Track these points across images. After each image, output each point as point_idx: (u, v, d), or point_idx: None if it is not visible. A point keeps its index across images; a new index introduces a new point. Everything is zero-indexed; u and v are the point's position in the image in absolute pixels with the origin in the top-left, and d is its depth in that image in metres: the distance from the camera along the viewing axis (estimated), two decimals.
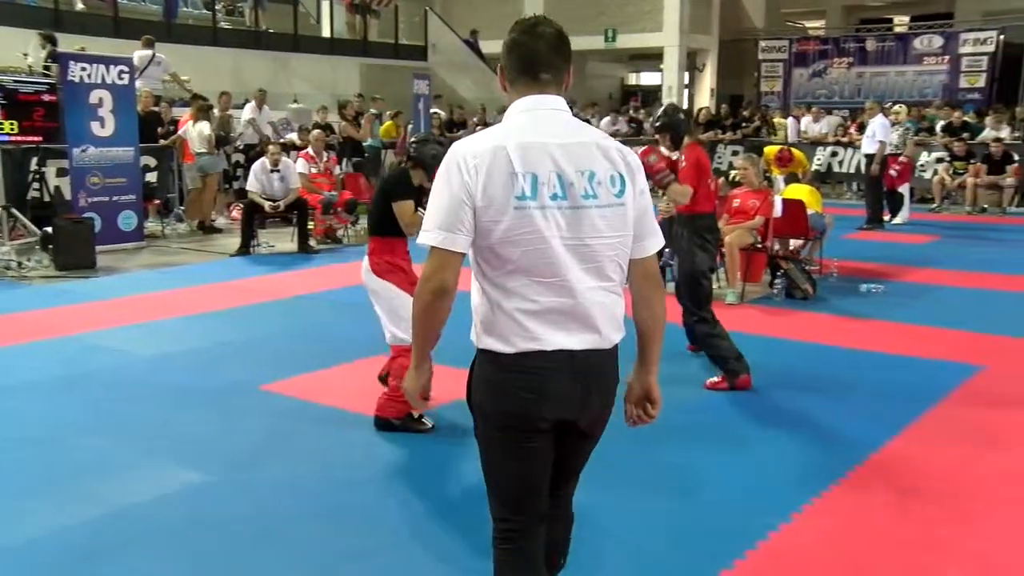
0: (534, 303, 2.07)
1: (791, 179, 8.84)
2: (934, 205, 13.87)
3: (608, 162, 2.12)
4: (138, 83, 11.38)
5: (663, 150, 5.27)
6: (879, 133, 11.45)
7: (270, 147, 10.07)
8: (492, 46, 22.73)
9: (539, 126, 2.11)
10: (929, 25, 22.11)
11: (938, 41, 20.72)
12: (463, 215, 2.04)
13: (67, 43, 11.46)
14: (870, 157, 11.64)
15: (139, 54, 11.98)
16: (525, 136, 2.08)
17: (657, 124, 5.34)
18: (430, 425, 4.32)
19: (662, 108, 5.54)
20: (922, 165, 14.66)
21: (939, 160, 14.34)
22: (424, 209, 3.76)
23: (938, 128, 15.33)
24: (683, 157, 5.17)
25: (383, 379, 4.65)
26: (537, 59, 2.14)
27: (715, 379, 5.08)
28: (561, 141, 2.09)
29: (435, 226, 2.06)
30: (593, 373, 2.14)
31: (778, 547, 3.20)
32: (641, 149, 4.61)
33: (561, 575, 2.45)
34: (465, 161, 2.05)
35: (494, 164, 2.04)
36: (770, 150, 11.14)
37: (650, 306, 2.28)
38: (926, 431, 4.41)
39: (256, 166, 9.80)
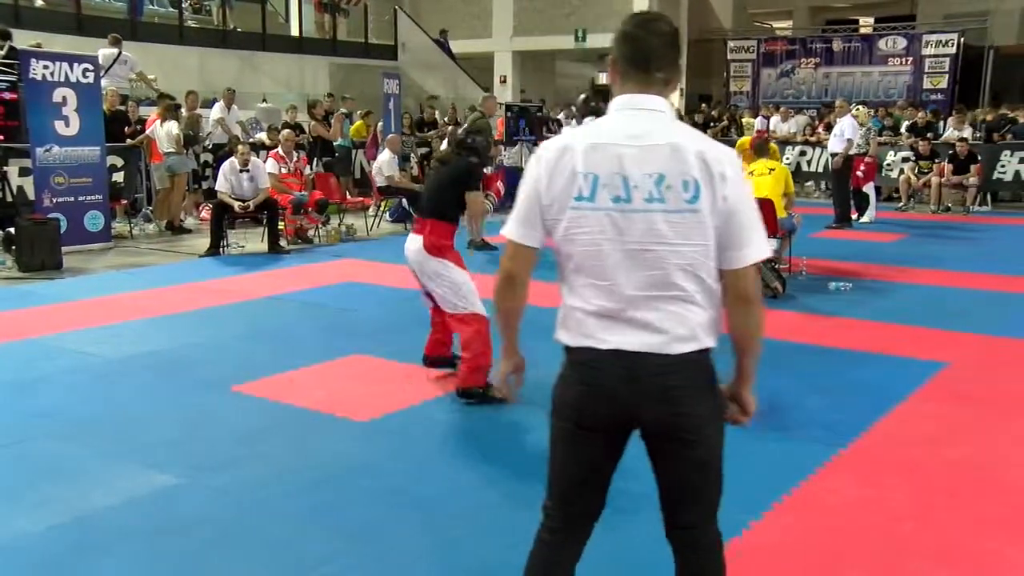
0: (589, 304, 2.09)
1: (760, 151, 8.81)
2: (901, 204, 14.08)
3: (682, 165, 2.01)
4: (104, 82, 11.21)
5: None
6: (848, 131, 11.59)
7: (239, 147, 9.97)
8: (460, 46, 22.74)
9: (621, 126, 2.06)
10: (892, 27, 22.44)
11: (902, 42, 21.04)
12: (534, 211, 2.11)
13: (24, 39, 11.26)
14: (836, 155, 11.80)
15: (104, 52, 11.77)
16: (601, 136, 2.06)
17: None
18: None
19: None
20: (888, 164, 14.89)
21: (905, 159, 14.57)
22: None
23: (903, 128, 15.57)
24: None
25: (430, 360, 5.11)
26: (652, 53, 2.06)
27: None
28: (637, 142, 2.03)
29: (512, 219, 2.16)
30: (650, 374, 2.05)
31: (749, 545, 3.23)
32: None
33: None
34: (539, 159, 2.11)
35: (560, 163, 2.06)
36: (744, 141, 11.23)
37: (735, 322, 2.15)
38: (892, 427, 4.47)
39: (225, 166, 9.70)
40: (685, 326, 2.06)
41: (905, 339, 6.17)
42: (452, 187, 4.90)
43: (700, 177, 2.01)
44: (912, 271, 8.73)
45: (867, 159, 12.33)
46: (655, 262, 2.02)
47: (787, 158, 15.71)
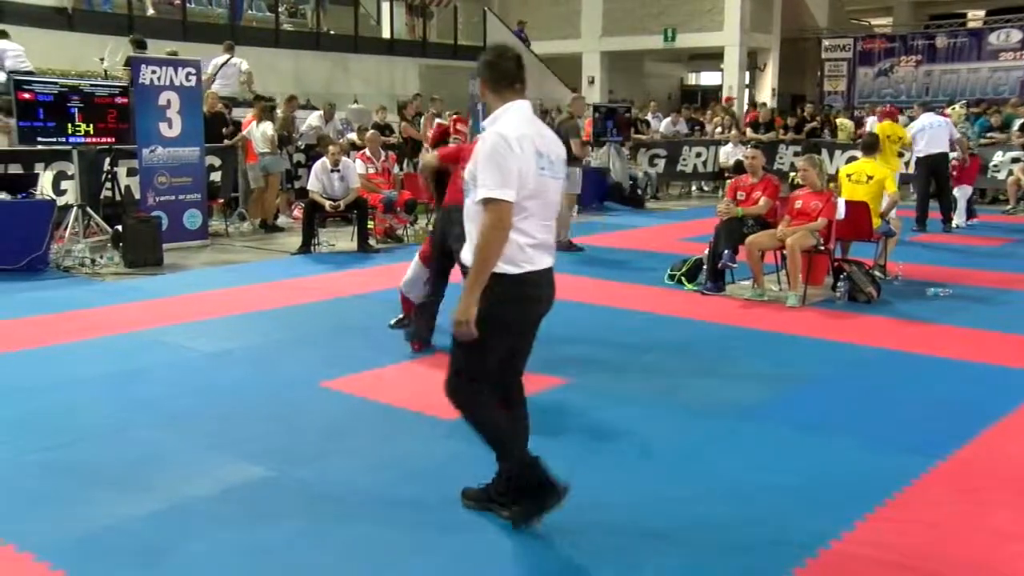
0: (536, 238, 3.08)
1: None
2: (1009, 207, 13.41)
3: (560, 148, 3.21)
4: (216, 85, 11.95)
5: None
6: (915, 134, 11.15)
7: (331, 147, 10.21)
8: (545, 46, 22.74)
9: (529, 122, 3.11)
10: (1007, 19, 21.35)
11: (1016, 35, 20.01)
12: (515, 179, 2.95)
13: (151, 49, 11.83)
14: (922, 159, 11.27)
15: (216, 60, 12.68)
16: (527, 128, 3.07)
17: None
18: None
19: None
20: (995, 165, 14.20)
21: (1015, 160, 13.85)
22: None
23: (1015, 126, 14.79)
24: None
25: None
26: (516, 74, 3.14)
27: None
28: (541, 133, 3.14)
29: (500, 185, 2.93)
30: (552, 282, 3.22)
31: (840, 556, 3.13)
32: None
33: None
34: (511, 143, 2.96)
35: (526, 146, 2.99)
36: (883, 127, 10.95)
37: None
38: (997, 440, 4.27)
39: (317, 166, 9.95)
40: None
41: (1010, 349, 5.88)
42: None
43: (563, 153, 3.23)
44: (1017, 277, 8.31)
45: (954, 160, 11.79)
46: (554, 210, 3.17)
47: None
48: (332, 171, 9.83)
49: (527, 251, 3.04)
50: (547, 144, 3.12)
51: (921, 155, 11.19)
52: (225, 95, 12.68)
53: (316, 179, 9.85)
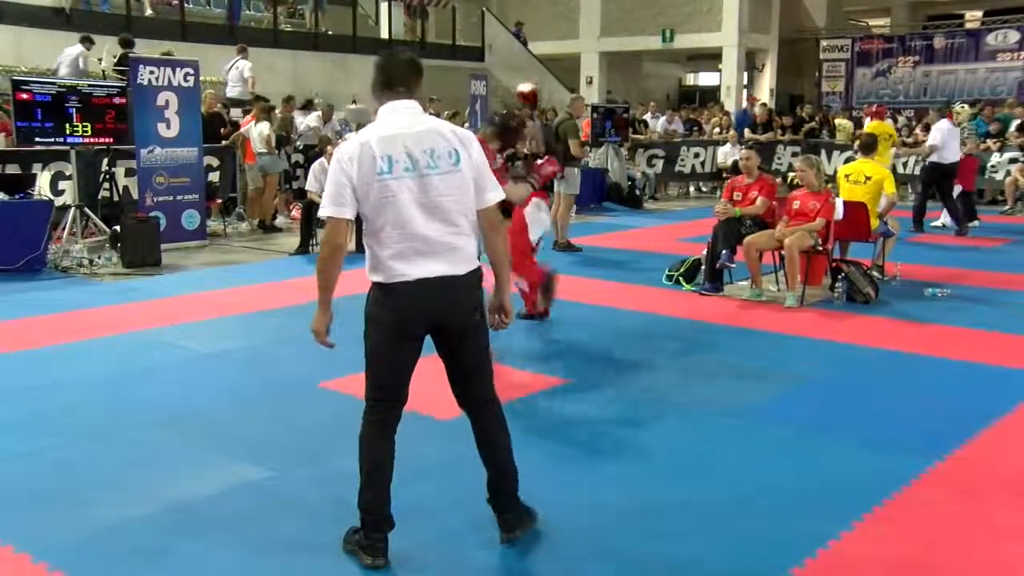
0: (394, 248, 2.92)
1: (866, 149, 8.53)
2: (1006, 207, 13.43)
3: (444, 141, 2.97)
4: (227, 89, 12.30)
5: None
6: (934, 137, 11.14)
7: (329, 147, 10.19)
8: (543, 47, 22.75)
9: (396, 121, 2.98)
10: (1005, 20, 21.37)
11: (1014, 36, 20.05)
12: (346, 194, 2.91)
13: (148, 48, 11.83)
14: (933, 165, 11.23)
15: (235, 63, 13.25)
16: (387, 130, 2.96)
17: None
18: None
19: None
20: (993, 166, 14.21)
21: (1012, 160, 13.86)
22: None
23: (1012, 127, 14.80)
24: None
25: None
26: (394, 77, 3.05)
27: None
28: (410, 130, 2.95)
29: (331, 202, 2.93)
30: (447, 292, 2.96)
31: (838, 556, 3.13)
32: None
33: None
34: (343, 158, 2.93)
35: (362, 155, 2.90)
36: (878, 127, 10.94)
37: (492, 246, 3.11)
38: (996, 440, 4.27)
39: (315, 166, 9.94)
40: (462, 254, 2.98)
41: (1008, 349, 5.88)
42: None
43: (458, 147, 2.98)
44: (1016, 277, 8.32)
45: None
46: (439, 209, 2.93)
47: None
48: None
49: (387, 262, 2.92)
50: (419, 141, 2.92)
51: (947, 162, 11.05)
52: (232, 96, 12.73)
53: (315, 179, 9.83)
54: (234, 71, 13.39)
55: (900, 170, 15.56)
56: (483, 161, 3.05)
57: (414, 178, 2.90)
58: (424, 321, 2.99)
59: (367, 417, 3.09)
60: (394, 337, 2.99)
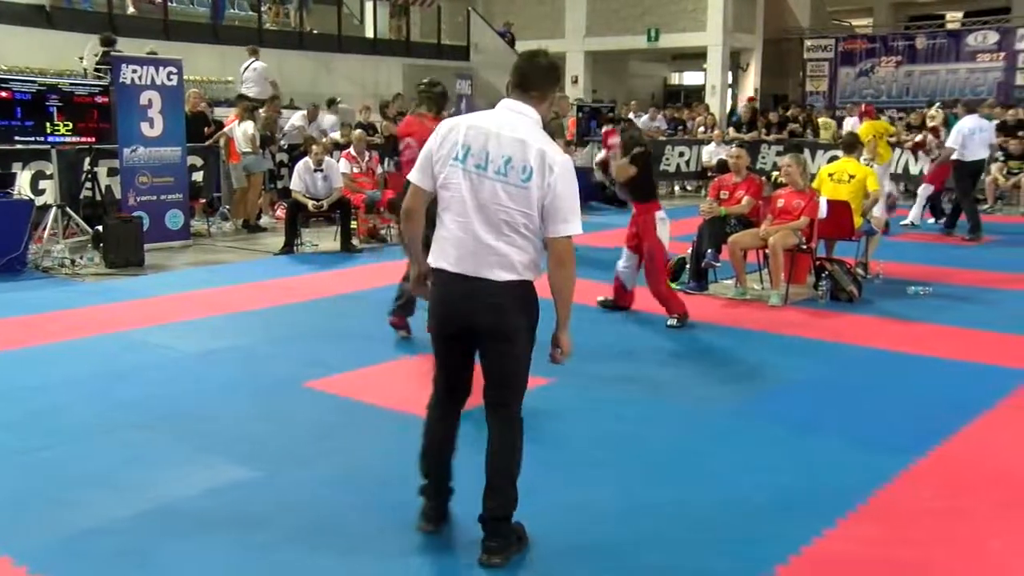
0: (447, 233, 2.97)
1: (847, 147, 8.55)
2: (987, 206, 13.54)
3: (524, 154, 2.89)
4: (244, 87, 13.04)
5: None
6: (951, 138, 11.08)
7: (314, 147, 10.17)
8: (529, 46, 22.66)
9: (497, 117, 3.00)
10: (984, 21, 21.57)
11: (993, 37, 20.23)
12: (427, 165, 3.01)
13: (131, 47, 11.72)
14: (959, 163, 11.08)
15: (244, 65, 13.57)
16: (483, 122, 2.98)
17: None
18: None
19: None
20: None
21: (992, 160, 13.98)
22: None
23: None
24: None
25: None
26: (525, 79, 3.04)
27: None
28: (501, 131, 2.93)
29: (416, 168, 3.03)
30: (480, 293, 2.93)
31: (823, 554, 3.15)
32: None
33: None
34: (439, 131, 3.01)
35: (449, 134, 2.97)
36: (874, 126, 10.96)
37: (551, 278, 3.02)
38: (977, 436, 4.31)
39: (300, 166, 9.90)
40: (506, 263, 2.93)
41: (990, 346, 5.94)
42: (649, 173, 6.73)
43: (535, 166, 2.88)
44: (997, 276, 8.40)
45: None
46: (491, 215, 2.91)
47: (865, 159, 15.23)
48: (315, 171, 9.79)
49: (439, 242, 3.00)
50: (503, 145, 2.89)
51: (967, 159, 10.90)
52: (252, 95, 12.71)
53: (299, 179, 9.80)
54: (250, 71, 13.65)
55: (898, 169, 15.66)
56: (567, 192, 2.91)
57: (479, 177, 2.91)
58: (457, 319, 3.01)
59: (432, 398, 3.26)
60: (438, 332, 3.10)
